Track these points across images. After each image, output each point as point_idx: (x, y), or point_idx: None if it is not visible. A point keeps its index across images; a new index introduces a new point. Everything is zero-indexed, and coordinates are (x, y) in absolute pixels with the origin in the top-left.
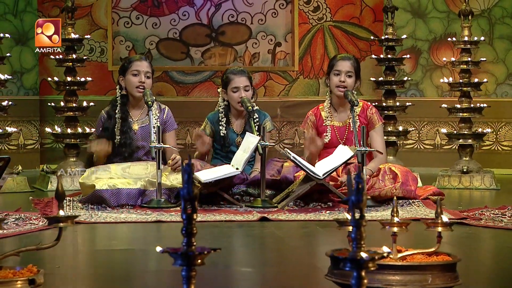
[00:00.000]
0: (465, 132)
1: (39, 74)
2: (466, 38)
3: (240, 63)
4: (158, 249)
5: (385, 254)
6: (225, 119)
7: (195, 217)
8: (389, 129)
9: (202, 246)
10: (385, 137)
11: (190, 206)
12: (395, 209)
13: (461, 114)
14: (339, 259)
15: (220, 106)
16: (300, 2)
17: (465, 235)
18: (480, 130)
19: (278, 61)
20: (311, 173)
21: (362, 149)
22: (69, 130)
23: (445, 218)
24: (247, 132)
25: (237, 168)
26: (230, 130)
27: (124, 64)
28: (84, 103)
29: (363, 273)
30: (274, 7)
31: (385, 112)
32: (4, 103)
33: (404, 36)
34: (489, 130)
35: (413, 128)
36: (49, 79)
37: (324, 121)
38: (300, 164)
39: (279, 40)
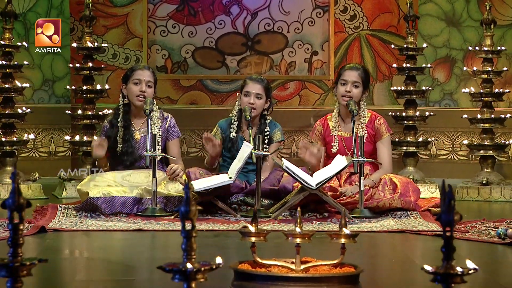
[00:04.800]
0: (486, 143)
1: (71, 83)
2: (486, 48)
3: (276, 72)
4: None
5: (214, 266)
6: (237, 123)
7: (21, 227)
8: (409, 139)
9: (30, 257)
10: (404, 148)
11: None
12: (298, 220)
13: (482, 124)
14: (168, 271)
15: (235, 110)
16: (336, 11)
17: (432, 248)
18: (503, 141)
19: (314, 70)
20: (305, 183)
21: (360, 159)
22: (85, 138)
23: (346, 230)
24: (244, 141)
25: (230, 177)
26: (239, 136)
27: (127, 73)
28: (105, 111)
29: (193, 285)
30: (311, 15)
31: (405, 122)
32: (20, 111)
33: (425, 45)
34: (511, 141)
35: (434, 139)
36: (68, 87)
37: (332, 131)
38: (293, 174)
39: (316, 49)
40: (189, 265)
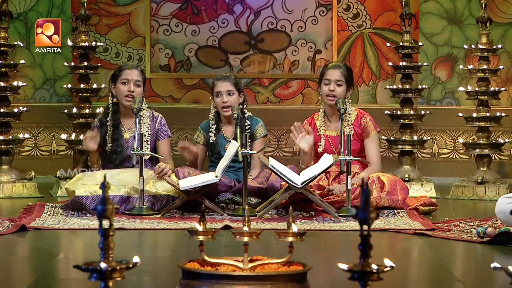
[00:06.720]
0: (482, 142)
1: (72, 82)
2: (482, 46)
3: (279, 71)
4: None
5: (130, 265)
6: (215, 126)
7: None
8: (404, 138)
9: None
10: (400, 146)
11: None
12: (246, 219)
13: (477, 123)
14: (84, 270)
15: (211, 113)
16: (339, 9)
17: (407, 246)
18: (500, 140)
19: (318, 69)
20: (290, 182)
21: (347, 158)
22: (81, 137)
23: (295, 228)
24: (232, 140)
25: (216, 176)
26: (220, 136)
27: (115, 72)
28: (100, 109)
29: (110, 284)
30: (314, 14)
31: (401, 120)
32: (16, 110)
33: (421, 43)
34: (507, 140)
35: (429, 138)
36: (65, 86)
37: (318, 130)
38: (278, 173)
39: (319, 47)
40: (103, 264)
